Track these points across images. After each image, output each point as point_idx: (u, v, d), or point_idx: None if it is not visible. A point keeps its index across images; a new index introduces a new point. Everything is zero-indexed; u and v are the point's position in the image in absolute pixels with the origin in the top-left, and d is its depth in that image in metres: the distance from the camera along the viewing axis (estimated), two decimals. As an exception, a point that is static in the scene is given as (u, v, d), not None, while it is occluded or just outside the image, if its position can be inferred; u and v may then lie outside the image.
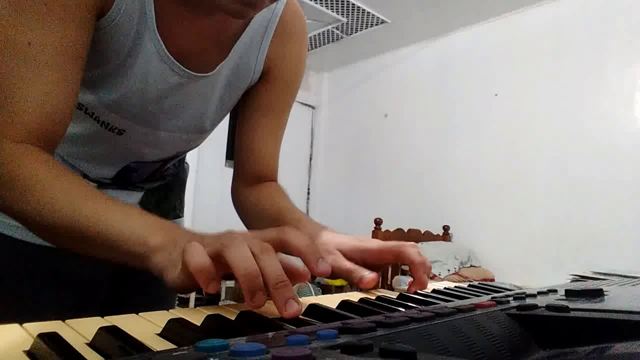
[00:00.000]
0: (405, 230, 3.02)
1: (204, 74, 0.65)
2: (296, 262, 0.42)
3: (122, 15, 0.56)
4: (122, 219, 0.45)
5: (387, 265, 0.63)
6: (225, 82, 0.69)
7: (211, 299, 3.36)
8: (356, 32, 3.52)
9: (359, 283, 0.56)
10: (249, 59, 0.69)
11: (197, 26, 0.61)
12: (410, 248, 0.59)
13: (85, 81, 0.59)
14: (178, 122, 0.69)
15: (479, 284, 0.60)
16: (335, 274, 0.60)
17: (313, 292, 2.95)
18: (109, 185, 0.75)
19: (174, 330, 0.31)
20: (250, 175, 0.77)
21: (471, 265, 2.86)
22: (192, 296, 3.03)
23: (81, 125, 0.66)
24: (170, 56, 0.61)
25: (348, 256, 0.60)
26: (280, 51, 0.72)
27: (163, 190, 0.83)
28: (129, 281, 0.79)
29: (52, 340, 0.26)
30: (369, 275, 0.56)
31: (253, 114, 0.76)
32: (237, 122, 0.77)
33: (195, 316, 0.35)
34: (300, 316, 0.36)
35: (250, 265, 0.37)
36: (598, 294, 0.44)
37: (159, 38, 0.59)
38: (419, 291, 0.56)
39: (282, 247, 0.42)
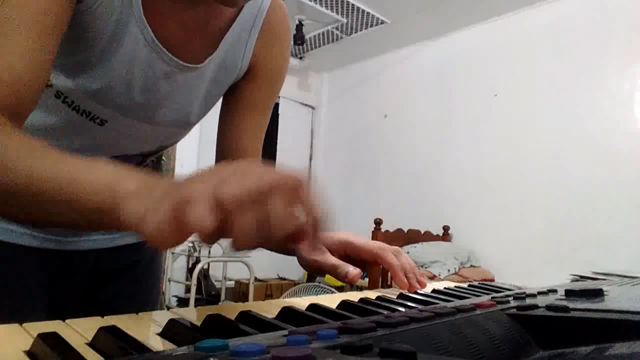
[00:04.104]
0: (405, 231, 3.02)
1: (192, 65, 0.64)
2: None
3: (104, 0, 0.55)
4: (86, 169, 0.39)
5: (371, 264, 0.64)
6: (212, 76, 0.69)
7: (211, 299, 3.36)
8: (356, 32, 3.52)
9: (344, 278, 0.57)
10: (235, 55, 0.70)
11: (183, 16, 0.61)
12: (389, 253, 0.60)
13: (67, 68, 0.58)
14: (163, 115, 0.68)
15: (479, 284, 0.60)
16: (321, 269, 0.61)
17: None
18: None
19: (174, 330, 0.31)
20: None
21: (471, 266, 2.85)
22: (192, 296, 3.03)
23: (60, 116, 0.64)
24: (158, 44, 0.60)
25: (332, 249, 0.61)
26: (266, 49, 0.72)
27: None
28: (107, 284, 0.78)
29: (52, 339, 0.26)
30: (353, 271, 0.57)
31: (236, 111, 0.76)
32: (220, 119, 0.77)
33: (195, 316, 0.35)
34: (300, 315, 0.36)
35: (251, 237, 0.31)
36: (598, 294, 0.44)
37: (147, 24, 0.58)
38: (419, 291, 0.56)
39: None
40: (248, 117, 0.76)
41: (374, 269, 2.46)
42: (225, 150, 0.77)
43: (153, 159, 0.82)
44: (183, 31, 0.62)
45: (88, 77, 0.60)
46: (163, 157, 0.89)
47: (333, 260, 0.59)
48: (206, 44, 0.66)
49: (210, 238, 0.31)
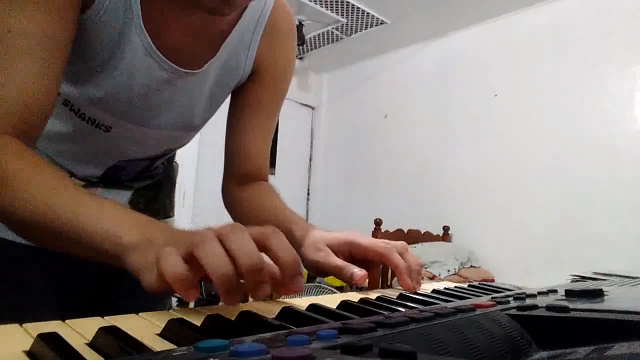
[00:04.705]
0: (405, 231, 3.02)
1: (191, 71, 0.64)
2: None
3: (107, 9, 0.55)
4: (96, 215, 0.43)
5: (377, 264, 0.63)
6: (214, 79, 0.69)
7: (211, 299, 3.36)
8: (356, 32, 3.52)
9: (349, 280, 0.56)
10: (239, 57, 0.69)
11: (183, 22, 0.61)
12: (394, 253, 0.59)
13: (72, 76, 0.59)
14: (166, 119, 0.69)
15: (479, 284, 0.60)
16: (325, 271, 0.60)
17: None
18: (97, 184, 0.74)
19: (174, 330, 0.31)
20: (241, 174, 0.77)
21: (471, 266, 2.85)
22: (192, 296, 3.02)
23: (67, 122, 0.65)
24: (157, 51, 0.60)
25: (337, 250, 0.61)
26: (270, 50, 0.72)
27: (153, 190, 0.83)
28: (117, 282, 0.78)
29: (52, 340, 0.26)
30: (359, 272, 0.56)
31: (243, 113, 0.76)
32: (227, 121, 0.77)
33: (195, 316, 0.35)
34: (300, 315, 0.36)
35: (223, 264, 0.35)
36: (598, 294, 0.44)
37: (146, 33, 0.58)
38: (419, 291, 0.56)
39: (262, 249, 0.39)
40: (254, 118, 0.76)
41: (375, 269, 2.45)
42: (233, 152, 0.77)
43: (163, 162, 0.83)
44: (184, 37, 0.62)
45: (91, 85, 0.61)
46: (175, 160, 0.89)
47: (337, 261, 0.59)
48: (208, 48, 0.66)
49: (184, 284, 0.35)
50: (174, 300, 3.71)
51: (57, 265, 0.70)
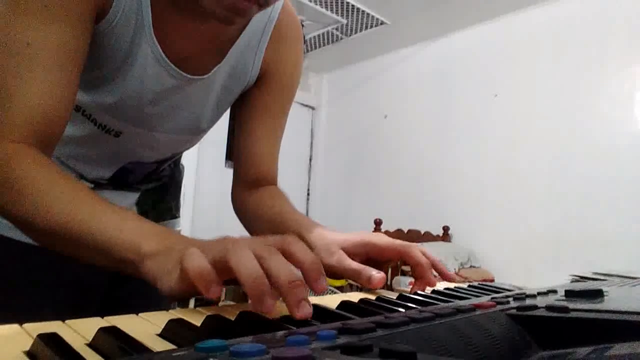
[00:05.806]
0: (405, 231, 3.02)
1: (199, 77, 0.65)
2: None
3: (120, 19, 0.56)
4: (116, 224, 0.44)
5: (390, 262, 0.62)
6: (221, 85, 0.70)
7: (211, 300, 3.36)
8: (356, 33, 3.52)
9: (366, 283, 0.55)
10: (246, 62, 0.70)
11: (193, 30, 0.62)
12: (415, 250, 0.59)
13: (83, 84, 0.60)
14: (174, 124, 0.70)
15: (479, 284, 0.60)
16: (340, 274, 0.59)
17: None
18: (106, 186, 0.75)
19: (174, 331, 0.31)
20: (250, 179, 0.77)
21: (471, 266, 2.85)
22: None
23: (78, 127, 0.66)
24: (166, 59, 0.61)
25: (351, 253, 0.59)
26: (277, 55, 0.72)
27: (159, 191, 0.84)
28: (127, 282, 0.78)
29: (52, 340, 0.26)
30: (377, 275, 0.55)
31: (250, 117, 0.76)
32: (235, 126, 0.78)
33: (195, 316, 0.35)
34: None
35: (255, 269, 0.36)
36: (598, 294, 0.44)
37: (156, 41, 0.59)
38: (419, 291, 0.56)
39: (284, 256, 0.40)
40: (262, 123, 0.76)
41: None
42: (241, 158, 0.78)
43: (170, 164, 0.84)
44: (193, 44, 0.63)
45: (102, 92, 0.62)
46: (181, 162, 0.90)
47: (353, 264, 0.57)
48: (216, 54, 0.66)
49: (207, 280, 0.36)
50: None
51: (66, 265, 0.71)
